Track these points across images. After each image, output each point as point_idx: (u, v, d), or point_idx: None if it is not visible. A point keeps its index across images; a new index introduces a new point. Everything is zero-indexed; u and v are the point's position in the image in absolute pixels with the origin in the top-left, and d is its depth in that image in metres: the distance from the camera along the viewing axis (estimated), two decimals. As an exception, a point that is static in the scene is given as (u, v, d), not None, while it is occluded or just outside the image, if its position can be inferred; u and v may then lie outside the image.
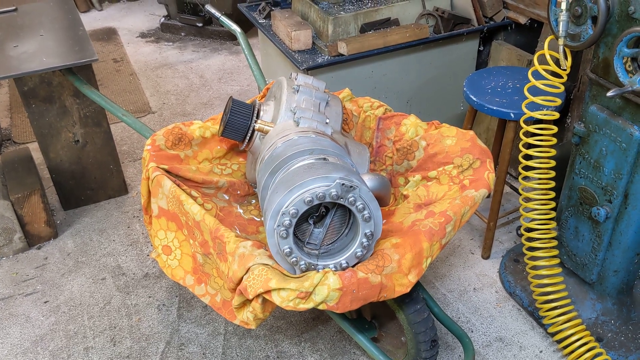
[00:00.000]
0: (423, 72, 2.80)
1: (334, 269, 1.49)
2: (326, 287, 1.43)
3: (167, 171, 1.95)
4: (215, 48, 4.38)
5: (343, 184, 1.41)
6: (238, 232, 1.95)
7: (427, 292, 1.94)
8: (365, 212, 1.45)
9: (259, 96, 2.30)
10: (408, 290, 1.55)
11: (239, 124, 1.96)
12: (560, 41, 1.74)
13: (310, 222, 1.51)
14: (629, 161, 1.75)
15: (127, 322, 2.23)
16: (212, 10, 2.69)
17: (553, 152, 1.94)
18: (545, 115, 1.90)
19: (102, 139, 2.72)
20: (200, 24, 4.52)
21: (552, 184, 1.96)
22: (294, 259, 1.46)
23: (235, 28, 2.55)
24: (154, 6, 5.18)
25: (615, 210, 1.86)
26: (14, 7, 2.61)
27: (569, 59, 1.81)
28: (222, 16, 2.63)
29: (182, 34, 4.65)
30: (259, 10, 2.99)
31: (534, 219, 1.98)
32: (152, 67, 4.20)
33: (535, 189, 1.97)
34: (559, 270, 2.01)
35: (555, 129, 1.92)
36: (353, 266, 1.50)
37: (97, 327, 2.21)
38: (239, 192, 2.13)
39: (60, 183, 2.74)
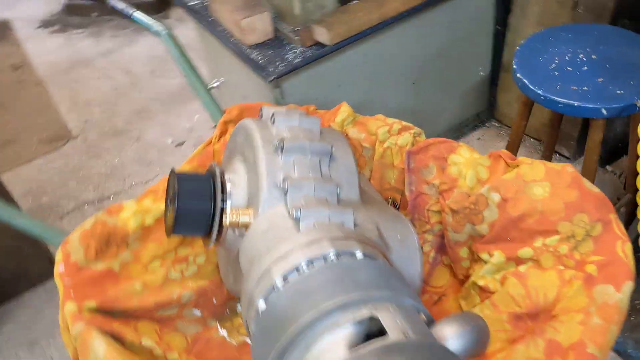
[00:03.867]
0: (429, 40, 2.01)
1: None
2: None
3: (98, 309, 1.21)
4: (139, 28, 3.46)
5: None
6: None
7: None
8: None
9: (214, 139, 1.53)
10: None
11: (195, 215, 1.20)
12: None
13: None
14: None
15: None
16: (119, 6, 1.85)
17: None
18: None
19: None
20: (113, -1, 3.57)
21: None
22: None
23: (157, 29, 1.72)
24: (53, -19, 4.16)
25: None
26: None
27: None
28: (135, 13, 1.79)
29: (95, 14, 3.69)
30: (187, -12, 2.12)
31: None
32: (63, 68, 3.28)
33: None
34: None
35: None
36: None
37: None
38: (214, 301, 1.40)
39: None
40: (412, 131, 1.41)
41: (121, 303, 1.25)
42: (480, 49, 2.22)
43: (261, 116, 1.30)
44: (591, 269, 1.07)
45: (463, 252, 1.30)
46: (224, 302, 1.41)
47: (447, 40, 2.06)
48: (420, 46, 2.01)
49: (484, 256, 1.23)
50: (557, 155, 2.22)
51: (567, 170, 1.18)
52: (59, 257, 1.25)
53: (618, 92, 1.41)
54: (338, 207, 1.09)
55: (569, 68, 1.51)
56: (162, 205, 1.35)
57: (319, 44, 1.75)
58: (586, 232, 1.11)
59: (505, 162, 1.25)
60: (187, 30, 3.35)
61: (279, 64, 1.72)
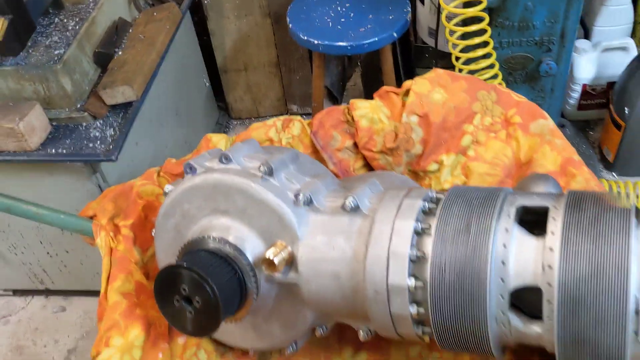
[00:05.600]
0: (175, 66, 1.99)
1: None
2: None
3: None
4: None
5: None
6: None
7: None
8: None
9: (114, 246, 1.29)
10: None
11: (229, 290, 1.06)
12: None
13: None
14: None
15: None
16: None
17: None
18: None
19: None
20: None
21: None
22: None
23: None
24: None
25: (555, 54, 1.75)
26: None
27: None
28: None
29: None
30: None
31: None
32: None
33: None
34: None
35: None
36: None
37: None
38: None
39: None
40: (295, 118, 1.46)
41: None
42: (197, 63, 2.28)
43: (188, 172, 1.16)
44: (516, 119, 1.38)
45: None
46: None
47: (180, 63, 2.07)
48: (173, 75, 1.97)
49: (432, 167, 1.41)
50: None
51: (439, 71, 1.44)
52: None
53: (390, 17, 1.73)
54: (355, 183, 1.12)
55: (343, 19, 1.76)
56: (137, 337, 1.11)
57: (116, 107, 1.58)
58: (491, 101, 1.40)
59: (395, 93, 1.44)
60: None
61: (94, 146, 1.50)
